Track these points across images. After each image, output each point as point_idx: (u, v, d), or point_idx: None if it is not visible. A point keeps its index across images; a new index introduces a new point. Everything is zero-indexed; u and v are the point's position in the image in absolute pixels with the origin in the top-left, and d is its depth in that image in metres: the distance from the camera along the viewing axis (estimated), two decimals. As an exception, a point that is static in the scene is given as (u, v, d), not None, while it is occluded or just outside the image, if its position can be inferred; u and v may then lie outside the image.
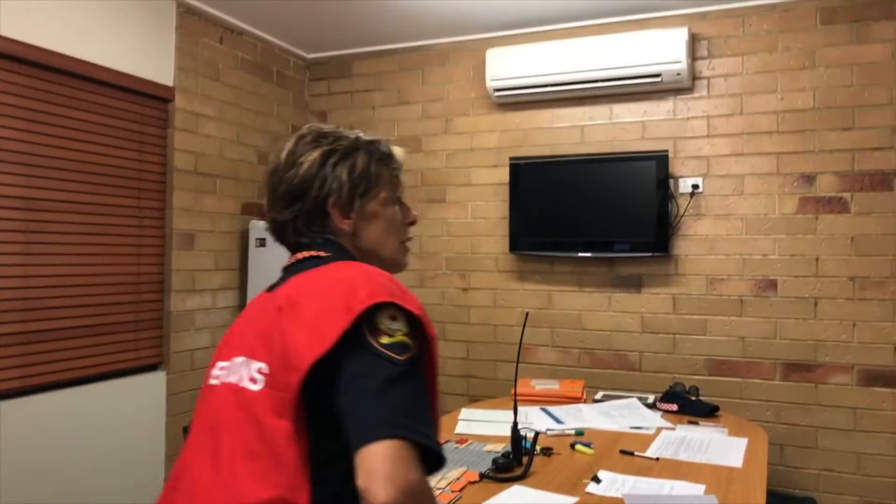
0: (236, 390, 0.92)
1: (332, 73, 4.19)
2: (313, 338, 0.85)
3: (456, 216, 3.85)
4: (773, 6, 3.28)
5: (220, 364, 1.00)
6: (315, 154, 1.04)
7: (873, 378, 3.05)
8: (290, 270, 1.05)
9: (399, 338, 0.86)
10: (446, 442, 2.28)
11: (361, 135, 1.11)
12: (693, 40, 3.37)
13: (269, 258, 3.58)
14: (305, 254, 1.05)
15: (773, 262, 3.22)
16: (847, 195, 3.13)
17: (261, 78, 3.87)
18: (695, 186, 3.36)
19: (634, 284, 3.46)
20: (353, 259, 1.04)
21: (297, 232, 1.06)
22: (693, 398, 2.79)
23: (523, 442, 2.08)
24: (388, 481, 0.73)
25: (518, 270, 3.69)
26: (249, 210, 3.77)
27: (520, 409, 2.32)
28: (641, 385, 3.38)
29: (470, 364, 3.77)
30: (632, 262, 3.45)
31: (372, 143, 1.10)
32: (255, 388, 0.89)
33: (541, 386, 2.96)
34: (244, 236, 3.71)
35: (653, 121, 3.47)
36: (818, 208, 3.17)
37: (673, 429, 2.45)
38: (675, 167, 3.40)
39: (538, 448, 2.11)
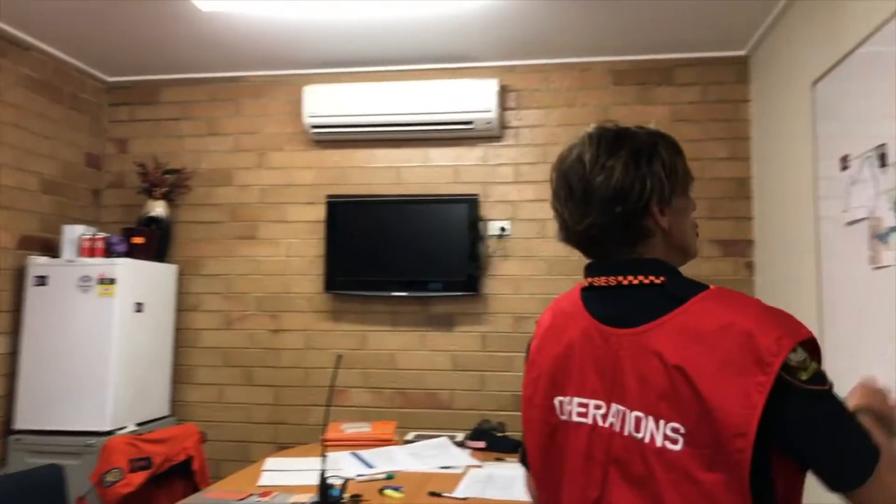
0: (650, 448, 0.93)
1: (135, 99, 3.90)
2: (742, 403, 0.85)
3: (268, 254, 3.71)
4: (572, 65, 3.57)
5: (579, 400, 1.03)
6: (624, 155, 1.01)
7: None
8: (621, 298, 1.02)
9: (811, 367, 0.87)
10: (248, 496, 2.13)
11: (649, 128, 1.08)
12: (503, 91, 3.57)
13: (50, 298, 3.19)
14: (629, 279, 1.01)
15: (572, 302, 3.44)
16: (634, 240, 3.43)
17: (49, 98, 3.50)
18: (502, 229, 3.52)
19: (446, 323, 3.53)
20: (685, 279, 1.01)
21: (614, 238, 1.03)
22: (499, 435, 2.86)
23: (331, 491, 2.00)
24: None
25: (333, 310, 3.62)
26: (29, 244, 3.35)
27: (330, 454, 2.24)
28: (453, 423, 3.42)
29: (279, 410, 3.61)
30: (444, 301, 3.52)
31: (664, 137, 1.07)
32: (676, 448, 0.90)
33: (352, 429, 2.90)
34: (20, 274, 3.28)
35: (465, 165, 3.61)
36: (610, 252, 3.44)
37: (480, 466, 2.49)
38: (486, 210, 3.55)
39: (346, 496, 2.04)
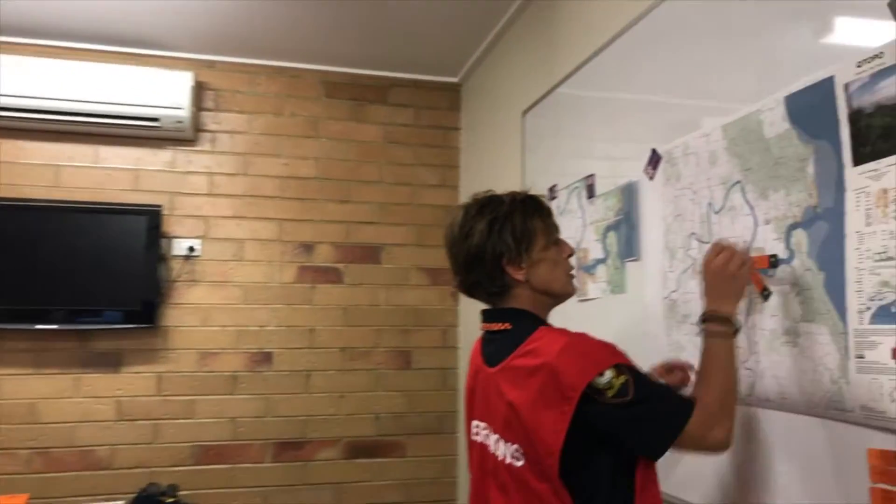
0: (503, 464, 1.20)
1: None
2: (551, 429, 1.09)
3: None
4: (282, 69, 3.20)
5: (476, 423, 1.34)
6: (482, 224, 1.23)
7: (356, 450, 3.08)
8: (492, 342, 1.29)
9: (617, 384, 1.07)
10: None
11: (515, 195, 1.29)
12: (199, 88, 3.07)
13: None
14: (497, 326, 1.28)
15: (269, 334, 3.04)
16: (342, 266, 3.17)
17: None
18: (191, 249, 2.99)
19: (112, 363, 2.87)
20: (532, 322, 1.23)
21: (485, 289, 1.28)
22: (170, 501, 2.34)
23: None
24: None
25: (-50, 346, 2.74)
26: None
27: None
28: (113, 487, 2.77)
29: None
30: (111, 335, 2.87)
31: (524, 202, 1.27)
32: (519, 464, 1.16)
33: (-48, 514, 2.14)
34: None
35: (148, 170, 3.02)
36: (316, 278, 3.13)
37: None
38: (171, 225, 2.99)
39: None
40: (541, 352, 1.13)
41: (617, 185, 1.82)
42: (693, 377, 1.28)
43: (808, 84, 1.17)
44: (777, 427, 1.22)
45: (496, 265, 1.22)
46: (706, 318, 1.17)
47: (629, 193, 1.76)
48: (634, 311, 1.70)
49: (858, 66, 1.07)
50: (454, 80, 3.38)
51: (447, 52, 3.09)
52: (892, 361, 0.99)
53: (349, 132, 3.26)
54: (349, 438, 3.08)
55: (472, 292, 1.31)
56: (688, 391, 1.23)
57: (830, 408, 1.10)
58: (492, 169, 2.94)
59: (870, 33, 1.06)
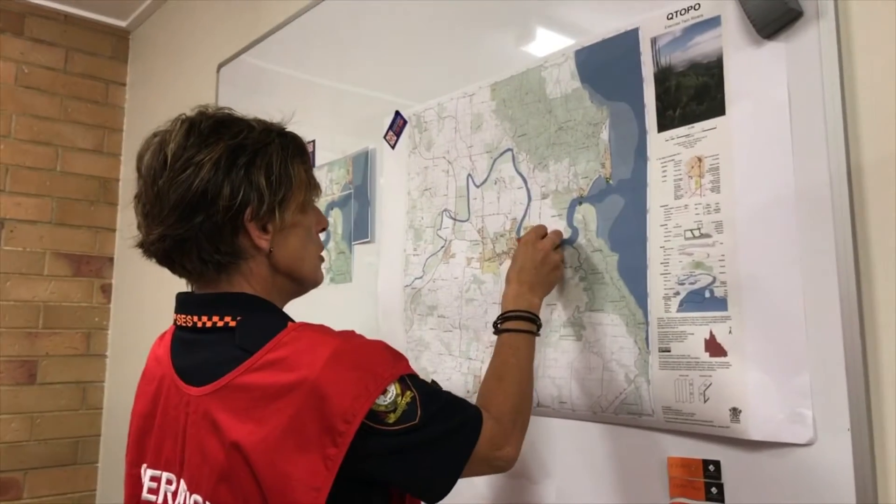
0: None
1: None
2: (306, 485, 0.69)
3: None
4: None
5: (152, 474, 0.83)
6: (218, 150, 0.77)
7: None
8: (196, 346, 0.81)
9: (402, 403, 0.73)
10: None
11: (268, 123, 0.85)
12: None
13: None
14: (206, 320, 0.79)
15: None
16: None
17: None
18: None
19: None
20: (273, 316, 0.80)
21: (198, 254, 0.78)
22: None
23: None
24: None
25: None
26: None
27: None
28: None
29: None
30: None
31: (283, 135, 0.84)
32: None
33: None
34: None
35: None
36: None
37: None
38: None
39: None
40: (296, 362, 0.72)
41: (346, 153, 1.51)
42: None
43: (605, 37, 1.02)
44: (555, 438, 1.03)
45: (233, 218, 0.77)
46: (510, 316, 0.92)
47: (362, 164, 1.46)
48: (363, 303, 1.41)
49: (670, 19, 0.93)
50: (121, 24, 2.73)
51: (117, -16, 2.46)
52: (706, 354, 0.85)
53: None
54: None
55: (170, 255, 0.80)
56: None
57: (624, 412, 0.94)
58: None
59: (685, -19, 0.93)
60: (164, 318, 2.04)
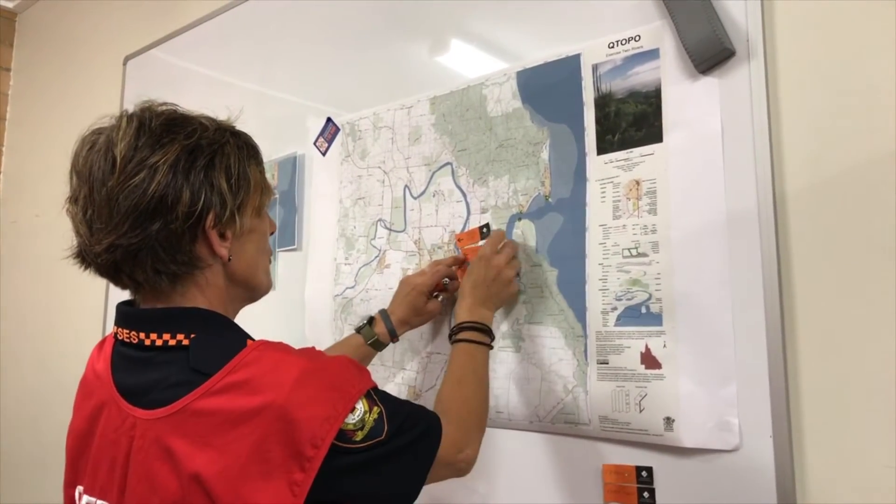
0: None
1: None
2: None
3: None
4: None
5: (87, 500, 0.77)
6: (174, 152, 0.71)
7: None
8: (144, 365, 0.74)
9: (370, 420, 0.71)
10: None
11: (218, 122, 0.78)
12: None
13: None
14: (155, 337, 0.73)
15: None
16: None
17: None
18: None
19: None
20: (231, 333, 0.75)
21: (153, 265, 0.71)
22: None
23: None
24: None
25: None
26: None
27: None
28: None
29: None
30: None
31: (236, 134, 0.79)
32: None
33: None
34: None
35: None
36: None
37: None
38: None
39: None
40: (261, 384, 0.68)
41: (272, 158, 1.47)
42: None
43: (547, 60, 1.06)
44: (492, 447, 1.05)
45: (192, 226, 0.72)
46: (465, 326, 0.93)
47: (289, 169, 1.43)
48: (288, 312, 1.38)
49: (611, 47, 0.99)
50: (8, 5, 2.53)
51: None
52: (642, 367, 0.90)
53: None
54: None
55: (119, 266, 0.72)
56: None
57: (561, 421, 0.97)
58: (63, 127, 2.23)
59: (626, 13, 0.98)
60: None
